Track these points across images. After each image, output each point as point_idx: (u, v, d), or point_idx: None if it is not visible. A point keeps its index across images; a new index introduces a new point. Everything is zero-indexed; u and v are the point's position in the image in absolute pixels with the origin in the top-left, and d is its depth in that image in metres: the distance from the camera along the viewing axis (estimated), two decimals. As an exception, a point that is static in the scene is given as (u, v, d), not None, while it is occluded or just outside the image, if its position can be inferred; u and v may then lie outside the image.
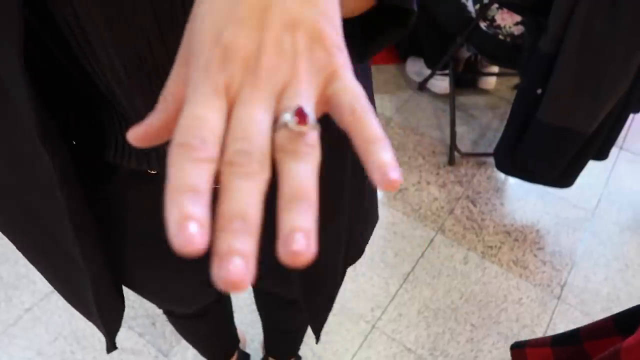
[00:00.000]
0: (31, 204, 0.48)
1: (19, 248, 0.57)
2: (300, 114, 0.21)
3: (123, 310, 0.68)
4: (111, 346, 0.72)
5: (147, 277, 0.69)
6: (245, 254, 0.18)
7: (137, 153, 0.48)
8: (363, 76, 0.54)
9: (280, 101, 0.22)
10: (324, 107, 0.23)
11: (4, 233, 0.55)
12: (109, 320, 0.66)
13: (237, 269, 0.17)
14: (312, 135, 0.21)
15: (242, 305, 1.43)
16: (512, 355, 1.06)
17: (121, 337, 1.34)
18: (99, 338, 1.34)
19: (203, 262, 0.75)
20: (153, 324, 1.37)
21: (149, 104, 0.24)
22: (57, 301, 1.40)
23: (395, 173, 0.20)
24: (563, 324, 1.46)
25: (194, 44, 0.23)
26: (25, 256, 0.59)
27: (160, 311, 1.39)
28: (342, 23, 0.24)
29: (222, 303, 1.01)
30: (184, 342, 1.34)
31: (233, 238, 0.18)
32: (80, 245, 0.49)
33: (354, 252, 0.76)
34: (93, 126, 0.47)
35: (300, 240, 0.18)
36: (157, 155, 0.48)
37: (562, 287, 1.55)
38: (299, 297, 0.72)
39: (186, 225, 0.17)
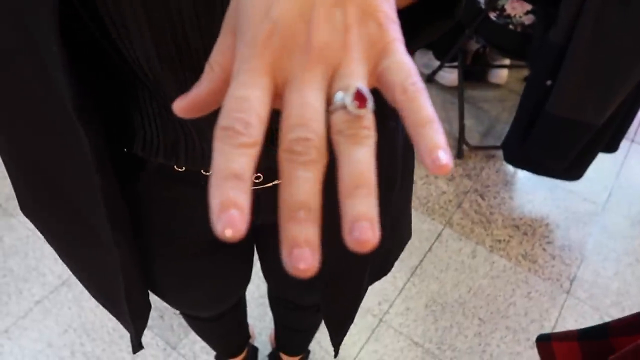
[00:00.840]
0: (66, 184, 0.48)
1: (52, 238, 0.57)
2: (360, 97, 0.20)
3: (150, 308, 0.68)
4: (137, 345, 0.71)
5: (171, 282, 0.68)
6: (311, 242, 0.19)
7: (166, 148, 0.47)
8: None
9: (334, 80, 0.21)
10: (375, 83, 0.23)
11: (38, 220, 0.55)
12: (137, 317, 0.65)
13: (305, 256, 0.18)
14: (370, 118, 0.21)
15: (249, 299, 1.43)
16: (538, 347, 1.05)
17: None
18: (108, 331, 1.35)
19: (226, 267, 0.74)
20: (161, 316, 1.38)
21: (180, 92, 0.24)
22: (67, 294, 1.41)
23: (446, 156, 0.20)
24: (572, 319, 1.45)
25: (241, 14, 0.22)
26: (58, 249, 0.59)
27: (167, 304, 1.40)
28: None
29: (240, 304, 1.02)
30: (191, 335, 1.35)
31: (299, 227, 0.19)
32: (113, 229, 0.49)
33: (380, 269, 0.75)
34: (123, 118, 0.47)
35: (366, 227, 0.18)
36: (185, 151, 0.47)
37: (571, 282, 1.54)
38: (322, 314, 0.71)
39: (227, 210, 0.18)
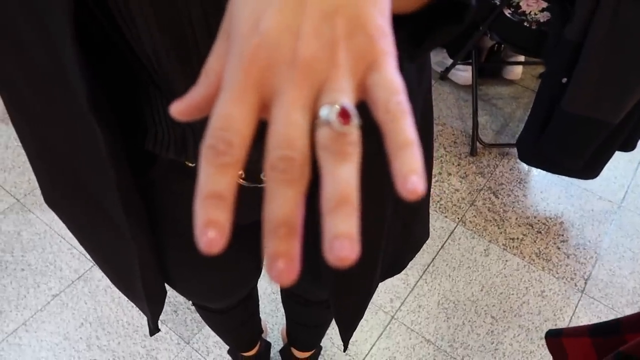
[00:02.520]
0: (85, 177, 0.50)
1: (73, 228, 0.60)
2: (344, 114, 0.20)
3: (165, 293, 0.70)
4: (154, 328, 0.74)
5: (182, 272, 0.70)
6: (291, 255, 0.20)
7: (176, 144, 0.49)
8: (419, 69, 0.52)
9: (321, 94, 0.21)
10: (362, 96, 0.23)
11: (60, 211, 0.58)
12: (153, 301, 0.68)
13: (284, 267, 0.20)
14: (355, 134, 0.21)
15: (262, 295, 1.44)
16: (548, 343, 1.04)
17: (143, 324, 1.37)
18: (123, 324, 1.37)
19: (237, 259, 0.76)
20: (175, 311, 1.40)
21: (189, 89, 0.25)
22: (83, 288, 1.44)
23: (416, 182, 0.20)
24: (587, 318, 1.44)
25: (233, 23, 0.22)
26: (79, 237, 0.62)
27: (181, 299, 1.42)
28: (394, 21, 0.23)
29: (251, 297, 1.03)
30: (205, 330, 1.36)
31: (279, 242, 0.20)
32: (129, 220, 0.51)
33: (392, 267, 0.75)
34: (135, 114, 0.48)
35: (346, 245, 0.19)
36: (195, 147, 0.49)
37: (586, 281, 1.52)
38: (332, 309, 0.72)
39: (207, 230, 0.19)
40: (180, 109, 0.24)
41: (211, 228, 0.19)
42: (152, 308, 0.69)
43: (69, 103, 0.41)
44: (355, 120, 0.21)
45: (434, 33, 0.36)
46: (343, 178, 0.20)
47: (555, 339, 1.04)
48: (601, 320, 0.98)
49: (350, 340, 1.37)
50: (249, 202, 0.51)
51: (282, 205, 0.20)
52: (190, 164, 0.52)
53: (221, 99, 0.21)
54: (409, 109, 0.21)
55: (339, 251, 0.19)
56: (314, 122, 0.21)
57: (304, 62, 0.21)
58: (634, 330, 0.91)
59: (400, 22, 0.24)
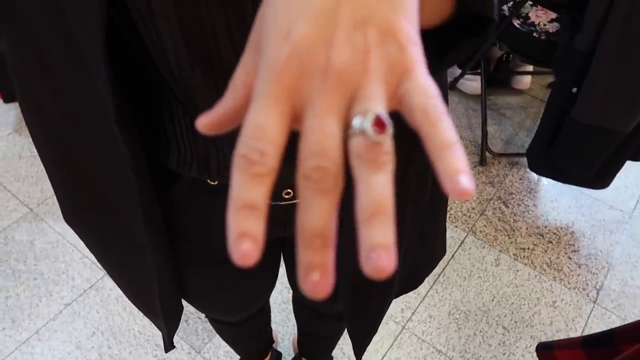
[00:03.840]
0: (105, 189, 0.49)
1: (90, 242, 0.59)
2: (379, 123, 0.20)
3: (182, 309, 0.70)
4: (170, 344, 0.73)
5: (200, 289, 0.70)
6: (325, 267, 0.20)
7: (199, 162, 0.49)
8: (437, 78, 0.52)
9: (353, 103, 0.21)
10: (395, 105, 0.22)
11: (78, 225, 0.57)
12: (170, 317, 0.67)
13: (319, 280, 0.19)
14: (389, 143, 0.20)
15: (273, 304, 1.44)
16: (540, 357, 1.03)
17: (155, 334, 1.38)
18: (134, 334, 1.38)
19: (254, 276, 0.75)
20: (186, 320, 1.40)
21: (212, 105, 0.25)
22: (95, 297, 1.45)
23: (466, 182, 0.19)
24: (599, 329, 1.42)
25: (264, 34, 0.22)
26: (96, 252, 0.61)
27: (192, 309, 1.42)
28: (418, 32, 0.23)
29: (264, 310, 1.03)
30: (216, 339, 1.37)
31: (314, 253, 0.19)
32: (148, 232, 0.51)
33: (408, 283, 0.74)
34: (159, 133, 0.48)
35: (383, 256, 0.19)
36: (218, 165, 0.48)
37: (598, 291, 1.51)
38: (346, 324, 0.71)
39: (241, 241, 0.19)
40: (206, 122, 0.24)
41: (246, 240, 0.19)
42: (169, 324, 0.68)
43: (94, 115, 0.41)
44: (389, 130, 0.20)
45: (456, 47, 0.36)
46: (378, 187, 0.20)
47: (546, 351, 1.03)
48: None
49: (361, 350, 1.37)
50: (271, 221, 0.50)
51: (316, 215, 0.20)
52: (212, 182, 0.52)
53: (253, 107, 0.21)
54: (446, 110, 0.21)
55: (376, 262, 0.19)
56: (346, 131, 0.21)
57: (337, 70, 0.21)
58: (628, 341, 0.90)
59: (424, 36, 0.24)
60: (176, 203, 0.56)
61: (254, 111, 0.21)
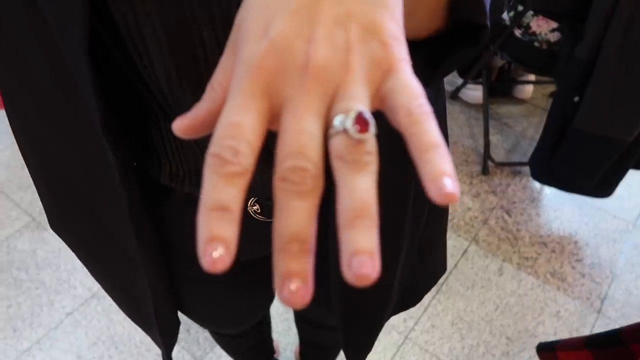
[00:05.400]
0: (95, 201, 0.48)
1: (81, 254, 0.58)
2: (361, 121, 0.19)
3: (179, 324, 0.68)
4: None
5: (196, 303, 0.69)
6: (304, 274, 0.18)
7: (190, 178, 0.47)
8: (435, 88, 0.49)
9: (334, 102, 0.20)
10: (378, 105, 0.21)
11: (67, 237, 0.56)
12: (167, 333, 0.66)
13: (297, 289, 0.18)
14: (372, 143, 0.19)
15: (274, 314, 1.44)
16: (542, 358, 1.02)
17: (157, 343, 1.37)
18: (135, 343, 1.37)
19: (251, 291, 0.72)
20: (187, 330, 1.40)
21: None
22: (97, 306, 1.44)
23: (451, 185, 0.18)
24: (604, 339, 1.41)
25: (242, 32, 0.21)
26: (88, 265, 0.60)
27: (194, 318, 1.42)
28: (409, 46, 0.22)
29: (264, 321, 1.02)
30: (217, 349, 1.36)
31: (291, 260, 0.18)
32: (140, 245, 0.49)
33: (405, 301, 0.72)
34: (147, 149, 0.48)
35: (366, 262, 0.17)
36: None
37: (602, 301, 1.50)
38: (340, 338, 0.69)
39: (211, 246, 0.18)
40: (183, 125, 0.23)
41: (215, 244, 0.18)
42: (166, 340, 0.66)
43: (82, 128, 0.40)
44: (372, 128, 0.19)
45: (450, 57, 0.35)
46: (361, 189, 0.18)
47: (548, 353, 1.02)
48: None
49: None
50: (264, 237, 0.49)
51: (293, 218, 0.18)
52: None
53: (227, 106, 0.20)
54: (431, 111, 0.20)
55: (358, 269, 0.17)
56: (327, 132, 0.20)
57: (316, 66, 0.20)
58: (638, 341, 0.89)
59: (416, 48, 0.23)
60: (169, 218, 0.55)
61: (229, 109, 0.20)
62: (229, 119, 0.19)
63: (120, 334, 1.39)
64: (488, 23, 0.31)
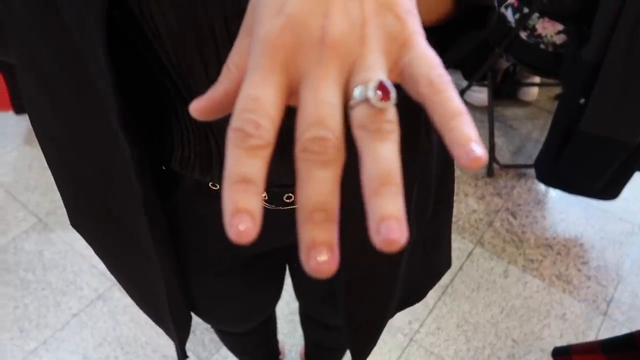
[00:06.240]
0: (110, 195, 0.49)
1: (98, 249, 0.59)
2: (383, 89, 0.19)
3: (191, 318, 0.69)
4: (182, 354, 0.72)
5: (205, 298, 0.69)
6: (330, 244, 0.18)
7: (201, 163, 0.48)
8: None
9: (352, 75, 0.20)
10: (395, 78, 0.22)
11: (85, 232, 0.57)
12: (180, 327, 0.66)
13: (323, 258, 0.18)
14: (393, 112, 0.19)
15: (279, 316, 1.44)
16: None
17: (162, 344, 1.37)
18: (141, 344, 1.37)
19: (259, 286, 0.73)
20: (193, 332, 1.40)
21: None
22: (102, 307, 1.45)
23: (479, 149, 0.18)
24: (610, 342, 1.41)
25: (257, 12, 0.22)
26: (105, 260, 0.61)
27: (199, 319, 1.42)
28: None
29: (270, 320, 1.03)
30: (223, 351, 1.36)
31: (316, 229, 0.18)
32: (154, 239, 0.50)
33: (411, 296, 0.72)
34: (162, 134, 0.48)
35: (394, 227, 0.17)
36: (220, 166, 0.48)
37: (608, 303, 1.49)
38: (344, 336, 0.70)
39: (237, 218, 0.18)
40: (200, 106, 0.23)
41: (242, 216, 0.18)
42: (180, 333, 0.67)
43: (99, 120, 0.40)
44: (393, 96, 0.19)
45: (457, 40, 0.35)
46: (384, 157, 0.19)
47: (564, 357, 1.01)
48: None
49: (369, 362, 1.35)
50: (273, 227, 0.49)
51: (316, 188, 0.18)
52: (214, 187, 0.51)
53: (246, 82, 0.20)
54: (451, 80, 0.20)
55: (386, 234, 0.17)
56: (347, 104, 0.20)
57: (333, 40, 0.20)
58: None
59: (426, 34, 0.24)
60: (178, 210, 0.55)
61: (248, 84, 0.20)
62: (249, 93, 0.20)
63: (126, 335, 1.39)
64: (495, 4, 0.32)
